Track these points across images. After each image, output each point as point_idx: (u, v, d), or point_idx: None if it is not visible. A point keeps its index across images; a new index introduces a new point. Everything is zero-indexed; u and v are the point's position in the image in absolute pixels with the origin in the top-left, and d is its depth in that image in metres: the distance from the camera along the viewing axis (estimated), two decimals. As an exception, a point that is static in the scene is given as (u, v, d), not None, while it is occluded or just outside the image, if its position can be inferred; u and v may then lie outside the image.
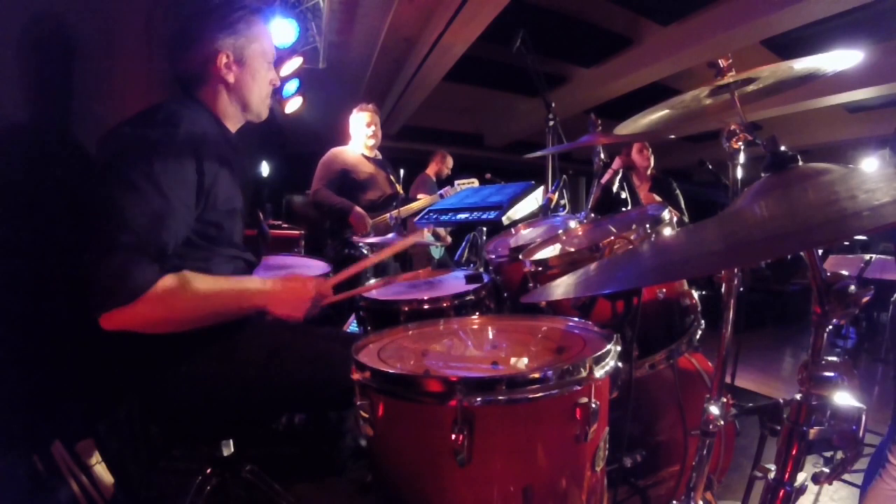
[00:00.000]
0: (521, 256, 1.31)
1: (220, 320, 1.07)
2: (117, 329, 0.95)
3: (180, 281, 0.99)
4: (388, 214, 3.00)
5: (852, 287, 0.68)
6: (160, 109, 1.08)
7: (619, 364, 0.84)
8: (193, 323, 1.03)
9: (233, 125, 1.26)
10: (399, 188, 3.16)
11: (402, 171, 3.22)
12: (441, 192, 3.25)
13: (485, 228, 1.96)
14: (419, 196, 3.59)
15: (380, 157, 3.23)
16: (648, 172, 3.57)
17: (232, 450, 1.27)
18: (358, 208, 2.95)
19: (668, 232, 1.17)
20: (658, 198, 3.36)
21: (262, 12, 1.22)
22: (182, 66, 1.18)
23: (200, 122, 1.12)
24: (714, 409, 0.95)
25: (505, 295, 1.47)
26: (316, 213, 3.29)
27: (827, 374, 0.71)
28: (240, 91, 1.21)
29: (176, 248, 1.02)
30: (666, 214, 1.20)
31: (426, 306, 1.30)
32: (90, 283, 0.93)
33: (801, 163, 0.72)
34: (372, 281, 1.66)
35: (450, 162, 4.64)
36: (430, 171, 4.55)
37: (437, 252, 3.90)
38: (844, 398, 0.69)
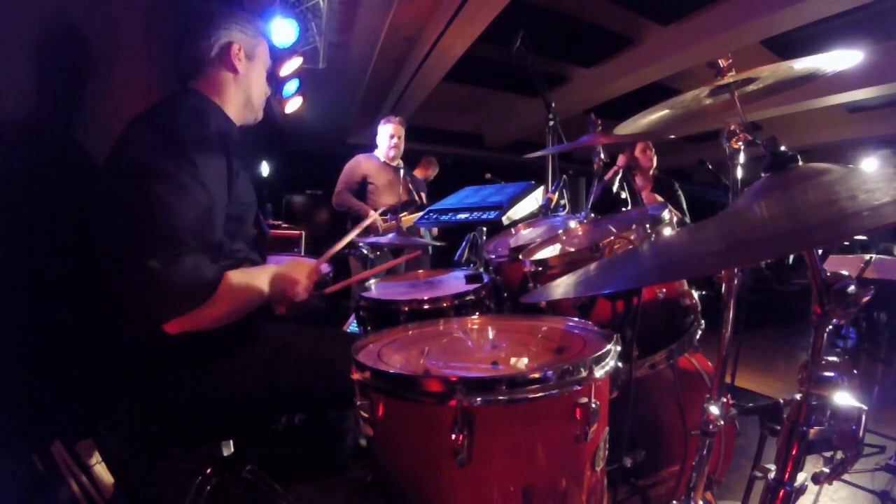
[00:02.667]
0: (521, 256, 1.30)
1: (248, 311, 1.09)
2: (182, 330, 0.97)
3: (230, 275, 1.02)
4: (392, 219, 3.14)
5: (852, 287, 0.67)
6: (184, 104, 1.11)
7: (619, 364, 0.84)
8: (239, 314, 1.05)
9: (236, 120, 1.28)
10: (416, 195, 3.48)
11: (401, 172, 3.29)
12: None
13: (485, 228, 1.96)
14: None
15: (401, 165, 3.55)
16: (651, 173, 3.56)
17: (232, 450, 1.27)
18: (372, 212, 3.27)
19: (668, 232, 1.17)
20: (660, 198, 3.36)
21: (264, 24, 1.28)
22: (192, 52, 1.19)
23: (219, 115, 1.18)
24: (714, 409, 0.95)
25: (505, 295, 1.47)
26: (330, 213, 3.55)
27: (827, 374, 0.71)
28: (246, 83, 1.26)
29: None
30: (666, 214, 1.20)
31: (426, 306, 1.30)
32: (161, 289, 0.94)
33: (801, 163, 0.72)
34: (372, 281, 1.66)
35: (436, 167, 4.85)
36: (419, 173, 4.62)
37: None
38: (844, 398, 0.69)
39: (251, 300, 1.07)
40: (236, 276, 1.04)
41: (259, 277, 1.11)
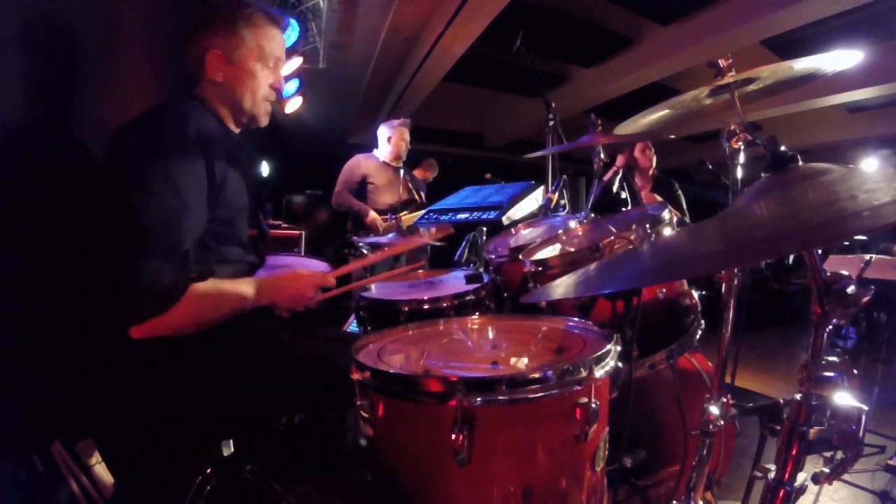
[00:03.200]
0: (521, 256, 1.30)
1: (229, 319, 1.09)
2: (146, 336, 0.98)
3: (197, 287, 1.03)
4: (392, 219, 3.15)
5: (852, 287, 0.67)
6: (168, 109, 1.11)
7: (619, 364, 0.84)
8: (208, 325, 1.05)
9: (232, 125, 1.26)
10: (416, 195, 3.48)
11: (401, 172, 3.29)
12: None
13: (485, 228, 1.95)
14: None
15: (401, 165, 3.54)
16: (651, 172, 3.56)
17: (232, 450, 1.27)
18: (372, 212, 3.32)
19: (668, 232, 1.17)
20: (659, 198, 3.36)
21: (263, 19, 1.21)
22: (182, 65, 1.21)
23: (206, 120, 1.15)
24: (714, 409, 0.95)
25: (505, 295, 1.47)
26: (330, 213, 3.59)
27: (827, 374, 0.71)
28: (229, 91, 1.20)
29: (193, 251, 1.04)
30: (666, 214, 1.20)
31: (426, 306, 1.30)
32: (122, 294, 0.95)
33: (801, 163, 0.72)
34: (372, 286, 1.66)
35: (436, 169, 4.87)
36: (419, 174, 4.62)
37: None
38: (844, 398, 0.69)
39: (222, 314, 1.08)
40: (204, 289, 1.04)
41: (237, 289, 1.11)
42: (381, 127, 3.54)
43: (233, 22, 1.18)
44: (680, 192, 3.57)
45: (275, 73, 1.25)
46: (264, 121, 1.28)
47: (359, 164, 3.47)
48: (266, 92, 1.24)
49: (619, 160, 3.27)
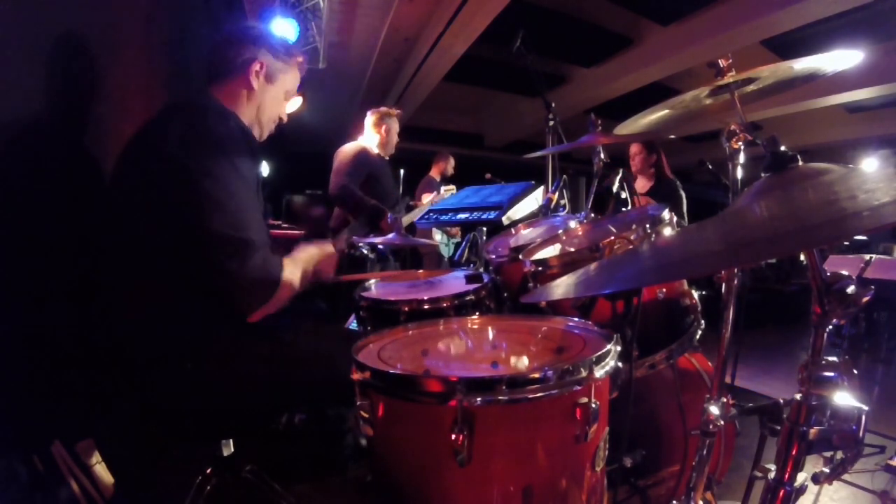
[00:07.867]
0: (521, 256, 1.30)
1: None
2: (261, 317, 1.09)
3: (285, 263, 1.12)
4: (392, 219, 3.08)
5: (852, 287, 0.67)
6: (205, 108, 1.15)
7: (619, 364, 0.84)
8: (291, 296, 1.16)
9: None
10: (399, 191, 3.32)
11: (402, 172, 3.26)
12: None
13: (485, 228, 1.95)
14: (423, 196, 3.70)
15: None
16: (650, 171, 3.57)
17: (232, 450, 1.27)
18: (389, 213, 2.91)
19: (668, 232, 1.17)
20: (652, 201, 3.35)
21: (300, 61, 1.38)
22: (221, 57, 1.26)
23: (237, 120, 1.23)
24: (714, 409, 0.95)
25: (505, 295, 1.47)
26: (327, 210, 3.41)
27: (827, 374, 0.71)
28: (258, 102, 1.30)
29: None
30: (666, 214, 1.20)
31: (426, 306, 1.30)
32: (238, 289, 1.04)
33: (801, 163, 0.72)
34: (372, 282, 1.66)
35: (452, 162, 4.71)
36: (434, 172, 4.58)
37: (446, 251, 3.98)
38: (844, 398, 0.69)
39: (301, 283, 1.19)
40: (287, 263, 1.14)
41: (298, 262, 1.22)
42: (369, 115, 3.18)
43: (287, 48, 1.33)
44: (682, 193, 3.55)
45: (283, 106, 1.40)
46: (264, 137, 1.39)
47: (367, 156, 3.05)
48: (276, 116, 1.38)
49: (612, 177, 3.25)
